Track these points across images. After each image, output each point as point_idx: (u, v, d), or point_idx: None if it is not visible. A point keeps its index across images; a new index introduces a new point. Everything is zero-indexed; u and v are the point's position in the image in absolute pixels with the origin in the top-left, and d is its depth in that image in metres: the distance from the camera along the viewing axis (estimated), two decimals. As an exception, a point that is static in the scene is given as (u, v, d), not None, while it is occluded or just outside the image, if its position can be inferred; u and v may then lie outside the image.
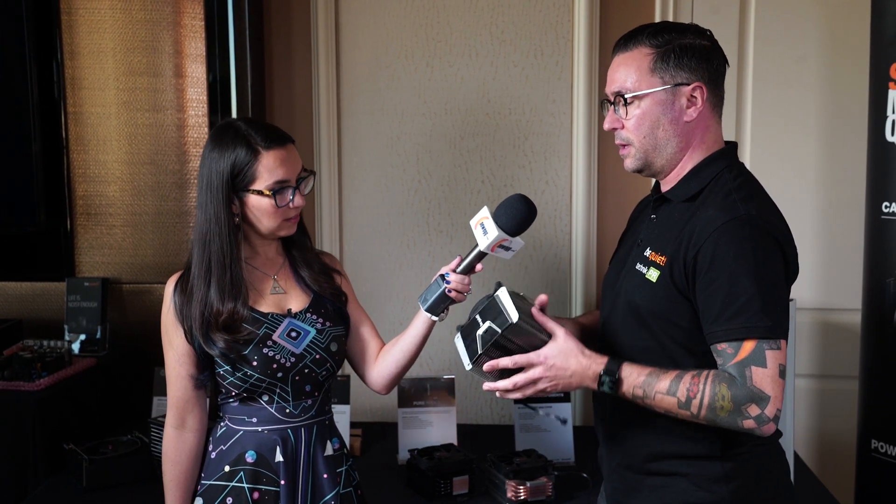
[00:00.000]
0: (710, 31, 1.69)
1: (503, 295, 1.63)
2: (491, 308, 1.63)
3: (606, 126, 1.71)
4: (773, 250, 1.56)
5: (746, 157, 3.00)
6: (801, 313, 2.76)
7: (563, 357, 1.60)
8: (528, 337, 1.61)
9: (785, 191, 2.96)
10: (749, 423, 1.52)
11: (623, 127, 1.67)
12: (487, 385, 1.64)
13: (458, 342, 1.67)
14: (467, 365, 1.62)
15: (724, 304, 1.53)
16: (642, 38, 1.65)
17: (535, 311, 1.64)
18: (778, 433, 1.73)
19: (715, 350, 1.56)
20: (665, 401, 1.56)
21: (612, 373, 1.58)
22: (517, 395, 1.64)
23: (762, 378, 1.51)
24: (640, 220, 1.84)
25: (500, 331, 1.58)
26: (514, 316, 1.58)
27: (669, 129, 1.65)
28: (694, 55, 1.63)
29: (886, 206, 2.47)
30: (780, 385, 1.52)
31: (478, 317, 1.64)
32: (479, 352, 1.60)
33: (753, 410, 1.51)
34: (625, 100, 1.65)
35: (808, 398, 3.05)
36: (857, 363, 2.65)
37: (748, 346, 1.52)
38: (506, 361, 1.61)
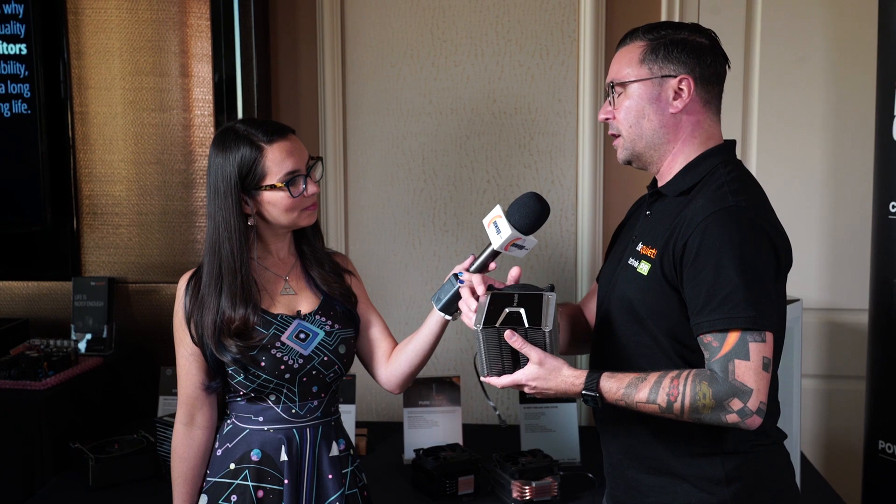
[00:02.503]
0: (713, 32, 1.71)
1: (552, 299, 1.66)
2: (534, 300, 1.65)
3: (600, 116, 1.76)
4: (762, 242, 1.56)
5: (752, 157, 2.99)
6: (807, 313, 2.75)
7: (544, 380, 1.62)
8: (539, 346, 1.62)
9: (791, 191, 2.96)
10: (732, 418, 1.52)
11: (615, 117, 1.71)
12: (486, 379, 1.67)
13: (485, 300, 1.67)
14: (478, 325, 1.62)
15: (709, 295, 1.54)
16: (639, 33, 1.70)
17: (509, 335, 1.62)
18: (782, 434, 1.73)
19: (701, 343, 1.57)
20: (647, 408, 1.57)
21: (592, 390, 1.60)
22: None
23: (745, 371, 1.51)
24: (636, 216, 1.85)
25: (527, 325, 1.60)
26: (548, 325, 1.60)
27: (655, 119, 1.67)
28: (684, 49, 1.66)
29: (894, 206, 2.46)
30: (763, 378, 1.52)
31: (516, 295, 1.66)
32: (496, 325, 1.61)
33: (735, 405, 1.51)
34: (614, 89, 1.70)
35: (815, 398, 3.04)
36: (863, 363, 2.64)
37: (732, 339, 1.52)
38: (497, 381, 1.64)
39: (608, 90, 1.72)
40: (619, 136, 1.72)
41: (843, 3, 2.94)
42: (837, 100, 2.97)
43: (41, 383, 2.62)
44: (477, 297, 1.72)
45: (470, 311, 1.71)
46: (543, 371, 1.61)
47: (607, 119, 1.73)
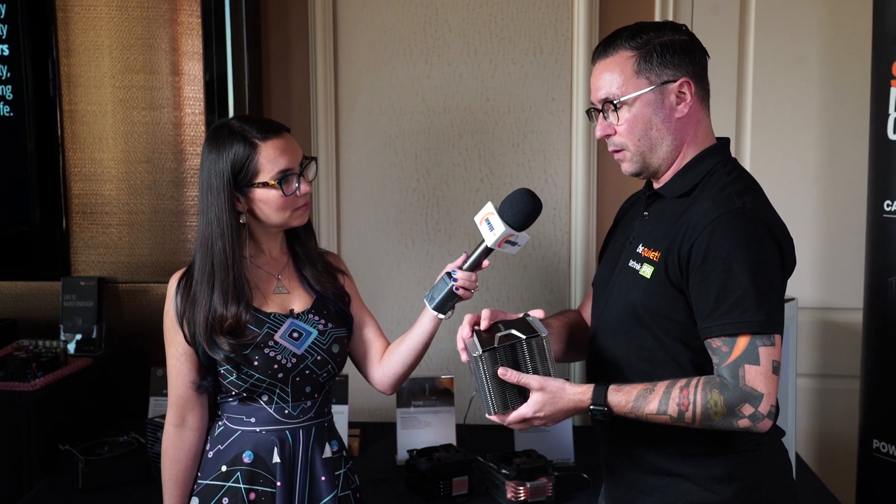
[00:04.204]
0: (685, 26, 1.69)
1: (534, 317, 1.66)
2: (518, 322, 1.66)
3: (599, 134, 1.69)
4: (769, 243, 1.56)
5: (747, 155, 2.99)
6: (802, 312, 2.75)
7: (552, 404, 1.60)
8: (541, 357, 1.62)
9: (786, 189, 2.96)
10: (744, 423, 1.52)
11: (616, 133, 1.67)
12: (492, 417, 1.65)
13: (472, 337, 1.66)
14: (476, 351, 1.62)
15: (719, 299, 1.53)
16: (621, 42, 1.65)
17: (503, 371, 1.60)
18: (780, 432, 1.72)
19: (710, 347, 1.56)
20: (658, 419, 1.57)
21: (600, 404, 1.59)
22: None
23: (755, 376, 1.51)
24: (630, 216, 1.83)
25: (524, 337, 1.60)
26: (544, 331, 1.61)
27: (662, 127, 1.64)
28: (676, 51, 1.63)
29: (888, 205, 2.46)
30: (773, 381, 1.52)
31: (500, 324, 1.66)
32: (494, 345, 1.61)
33: (747, 410, 1.52)
34: (614, 105, 1.64)
35: (810, 398, 3.04)
36: (858, 362, 2.64)
37: (742, 343, 1.52)
38: (504, 420, 1.62)
39: (599, 106, 1.67)
40: (622, 150, 1.68)
41: (837, 1, 2.93)
42: (832, 98, 2.97)
43: (30, 384, 2.60)
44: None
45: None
46: (548, 396, 1.60)
47: (607, 135, 1.68)
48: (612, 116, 1.66)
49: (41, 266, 3.06)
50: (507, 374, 1.59)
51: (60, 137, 2.98)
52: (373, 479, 2.42)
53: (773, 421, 1.54)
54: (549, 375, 1.61)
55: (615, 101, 1.64)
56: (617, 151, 1.69)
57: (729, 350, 1.53)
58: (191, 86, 2.95)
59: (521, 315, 1.69)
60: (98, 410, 2.83)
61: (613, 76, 1.64)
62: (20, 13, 2.89)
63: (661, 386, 1.56)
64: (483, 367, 1.61)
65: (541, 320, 1.68)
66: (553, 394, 1.59)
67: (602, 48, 1.68)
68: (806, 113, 2.98)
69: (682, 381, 1.56)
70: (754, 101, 2.98)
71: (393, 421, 2.70)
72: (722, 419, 1.52)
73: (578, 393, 1.60)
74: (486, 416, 1.65)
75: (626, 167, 1.70)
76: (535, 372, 1.61)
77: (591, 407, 1.58)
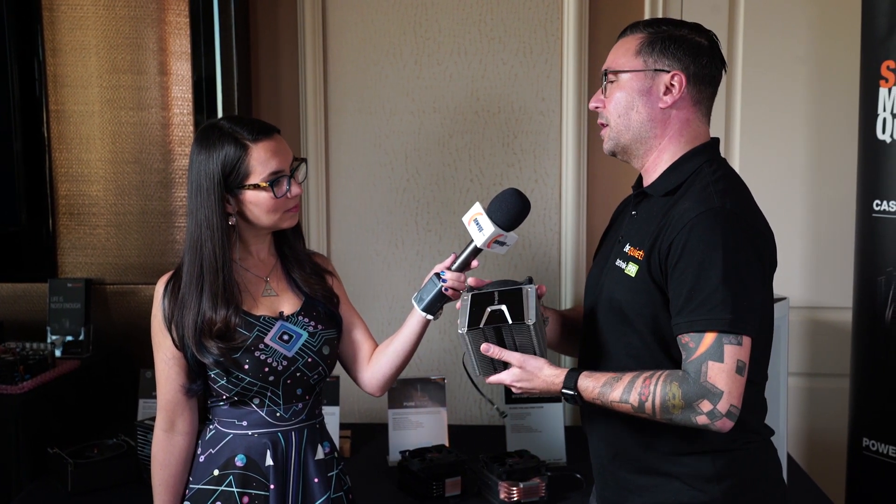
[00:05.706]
0: (714, 34, 1.72)
1: (532, 291, 1.67)
2: (514, 295, 1.67)
3: (591, 104, 1.76)
4: (746, 244, 1.57)
5: (736, 155, 3.00)
6: (792, 311, 2.76)
7: (529, 380, 1.66)
8: (526, 340, 1.63)
9: (776, 189, 2.97)
10: (702, 419, 1.53)
11: (604, 106, 1.71)
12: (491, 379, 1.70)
13: (466, 301, 1.69)
14: (462, 328, 1.64)
15: (690, 296, 1.54)
16: (640, 27, 1.71)
17: (486, 347, 1.65)
18: (769, 430, 1.73)
19: (680, 343, 1.57)
20: (621, 408, 1.59)
21: (570, 388, 1.62)
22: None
23: (717, 373, 1.52)
24: (622, 216, 1.84)
25: (510, 322, 1.62)
26: (531, 318, 1.62)
27: (643, 112, 1.67)
28: (681, 46, 1.66)
29: (877, 204, 2.48)
30: (736, 381, 1.52)
31: (496, 293, 1.68)
32: (480, 326, 1.63)
33: (705, 406, 1.52)
34: (606, 77, 1.70)
35: (799, 397, 3.05)
36: (847, 361, 2.65)
37: (708, 340, 1.53)
38: (485, 380, 1.69)
39: (602, 78, 1.72)
40: (607, 125, 1.72)
41: (827, 1, 2.94)
42: (822, 98, 2.98)
43: (17, 387, 2.57)
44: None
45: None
46: (525, 373, 1.65)
47: (597, 107, 1.73)
48: (607, 90, 1.70)
49: (28, 268, 3.03)
50: (490, 350, 1.65)
51: (47, 138, 2.96)
52: (365, 481, 2.41)
53: (733, 422, 1.53)
54: (535, 353, 1.65)
55: (608, 72, 1.69)
56: (602, 127, 1.74)
57: (696, 346, 1.54)
58: (179, 86, 2.93)
59: (522, 282, 1.71)
60: (86, 413, 2.81)
61: (619, 52, 1.70)
62: (5, 12, 2.86)
63: (629, 375, 1.59)
64: (467, 342, 1.64)
65: (556, 311, 1.74)
66: (531, 372, 1.64)
67: (625, 28, 1.74)
68: (795, 113, 2.99)
69: (648, 373, 1.58)
70: (744, 101, 2.98)
71: (384, 422, 2.69)
72: (680, 413, 1.53)
73: (553, 375, 1.64)
74: (471, 376, 1.71)
75: (605, 145, 1.75)
76: (519, 348, 1.65)
77: (562, 390, 1.63)
